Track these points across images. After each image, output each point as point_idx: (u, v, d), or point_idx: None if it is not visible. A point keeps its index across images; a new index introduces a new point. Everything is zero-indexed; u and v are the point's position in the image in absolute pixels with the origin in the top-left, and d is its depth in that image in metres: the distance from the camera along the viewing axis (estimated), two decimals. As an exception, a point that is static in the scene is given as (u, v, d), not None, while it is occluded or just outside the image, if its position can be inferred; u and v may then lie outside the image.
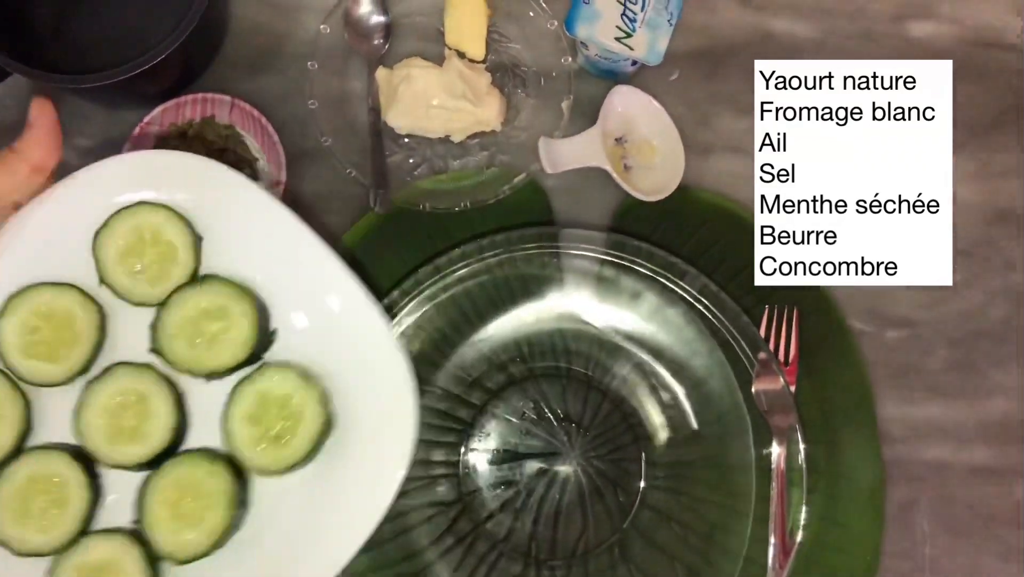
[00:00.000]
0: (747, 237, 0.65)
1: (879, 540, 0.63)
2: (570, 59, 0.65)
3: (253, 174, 0.64)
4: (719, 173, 0.67)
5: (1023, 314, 0.66)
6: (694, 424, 0.63)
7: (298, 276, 0.55)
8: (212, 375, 0.53)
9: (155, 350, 0.54)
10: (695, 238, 0.65)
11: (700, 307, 0.63)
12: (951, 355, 0.65)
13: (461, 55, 0.66)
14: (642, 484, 0.63)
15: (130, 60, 0.58)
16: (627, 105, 0.65)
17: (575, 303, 0.64)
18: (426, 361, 0.64)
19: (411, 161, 0.66)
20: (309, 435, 0.52)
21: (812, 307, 0.65)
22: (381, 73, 0.66)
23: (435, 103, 0.63)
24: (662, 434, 0.64)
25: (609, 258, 0.63)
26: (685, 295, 0.63)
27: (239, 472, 0.53)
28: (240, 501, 0.52)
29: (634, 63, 0.64)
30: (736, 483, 0.62)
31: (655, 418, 0.64)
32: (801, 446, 0.60)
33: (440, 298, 0.63)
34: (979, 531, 0.64)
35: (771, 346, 0.64)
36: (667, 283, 0.63)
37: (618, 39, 0.61)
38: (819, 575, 0.62)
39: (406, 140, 0.66)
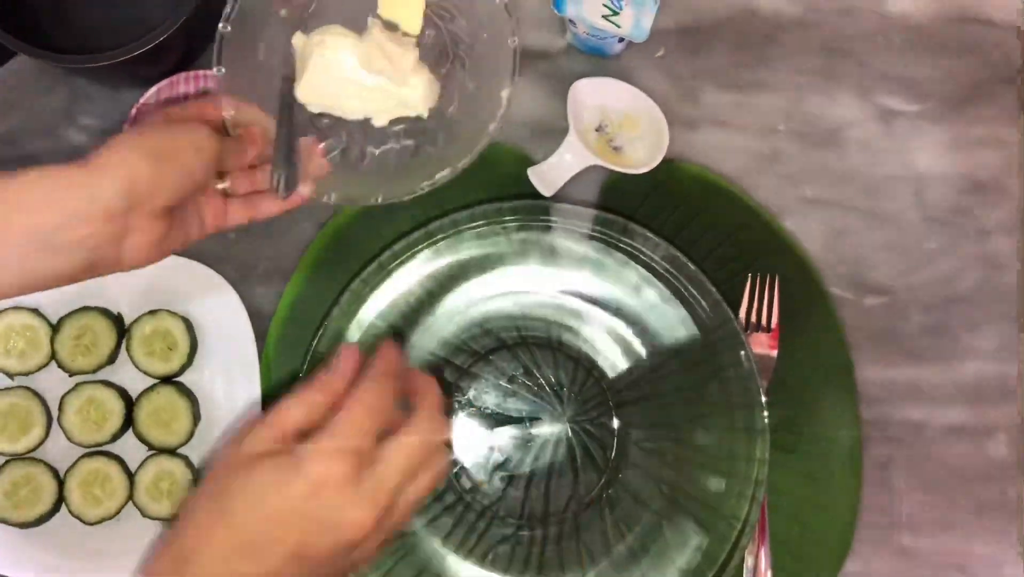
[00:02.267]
0: (731, 208, 0.68)
1: (857, 497, 0.65)
2: (516, 40, 0.60)
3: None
4: (704, 146, 0.69)
5: (996, 280, 0.68)
6: (662, 394, 0.66)
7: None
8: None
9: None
10: (681, 209, 0.68)
11: (678, 285, 0.65)
12: (927, 320, 0.68)
13: (393, 27, 0.60)
14: (615, 451, 0.66)
15: (132, 42, 0.60)
16: (592, 95, 0.67)
17: (562, 276, 0.66)
18: (413, 324, 0.66)
19: (322, 144, 0.61)
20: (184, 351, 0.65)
21: (793, 275, 0.67)
22: (298, 39, 0.60)
23: (347, 76, 0.57)
24: (643, 402, 0.66)
25: (593, 234, 0.65)
26: (665, 273, 0.65)
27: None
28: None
29: (621, 40, 0.66)
30: (713, 443, 0.64)
31: (635, 387, 0.66)
32: (764, 413, 0.63)
33: (432, 264, 0.66)
34: (953, 487, 0.66)
35: (754, 312, 0.66)
36: (644, 259, 0.65)
37: (605, 17, 0.63)
38: (800, 530, 0.65)
39: (325, 121, 0.62)
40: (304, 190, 0.57)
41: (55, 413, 0.64)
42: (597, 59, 0.69)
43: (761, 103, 0.70)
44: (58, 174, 0.46)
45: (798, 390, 0.66)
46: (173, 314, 0.64)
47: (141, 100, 0.65)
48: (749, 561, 0.64)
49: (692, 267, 0.64)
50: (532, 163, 0.67)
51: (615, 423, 0.66)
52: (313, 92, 0.59)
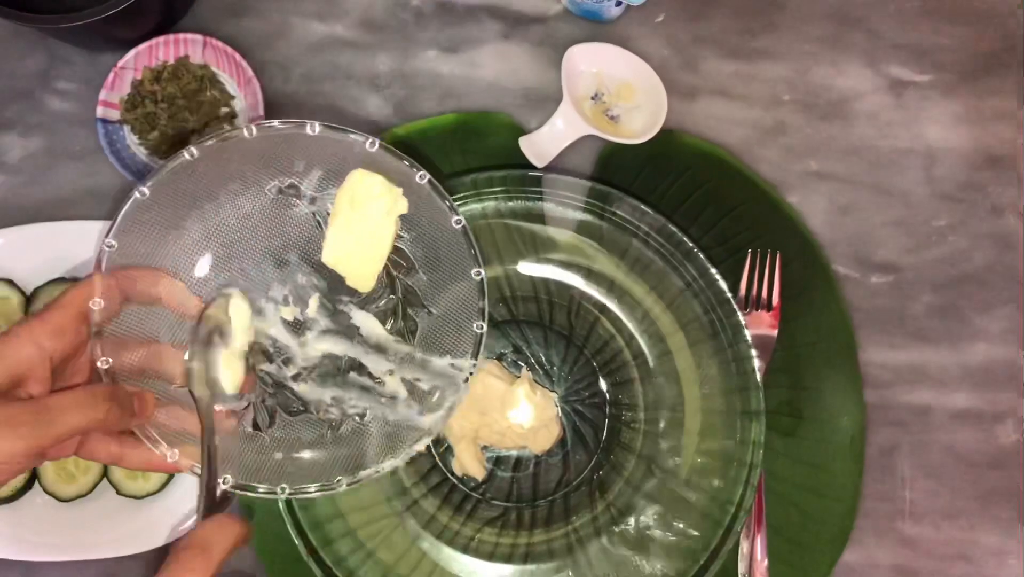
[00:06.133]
0: (732, 181, 0.65)
1: (859, 483, 0.63)
2: (483, 324, 0.53)
3: (231, 112, 0.64)
4: (705, 117, 0.66)
5: (1008, 259, 0.65)
6: (656, 374, 0.63)
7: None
8: None
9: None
10: (680, 182, 0.65)
11: (673, 261, 0.62)
12: (935, 300, 0.65)
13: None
14: (606, 432, 0.63)
15: (109, 1, 0.58)
16: (587, 62, 0.64)
17: (555, 254, 0.64)
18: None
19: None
20: None
21: (796, 252, 0.65)
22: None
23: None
24: (636, 383, 0.64)
25: (584, 206, 0.62)
26: (659, 248, 0.62)
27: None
28: None
29: (619, 3, 0.63)
30: (707, 425, 0.62)
31: (629, 368, 0.64)
32: (761, 395, 0.60)
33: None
34: (958, 474, 0.64)
35: (754, 291, 0.63)
36: (640, 233, 0.62)
37: (601, -22, 0.61)
38: (799, 516, 0.63)
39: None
40: (171, 455, 0.49)
41: (29, 387, 0.62)
42: (593, 24, 0.66)
43: (765, 72, 0.67)
44: None
45: (799, 372, 0.64)
46: None
47: (119, 63, 0.63)
48: (744, 547, 0.61)
49: (688, 242, 0.61)
50: (524, 133, 0.65)
51: (606, 403, 0.64)
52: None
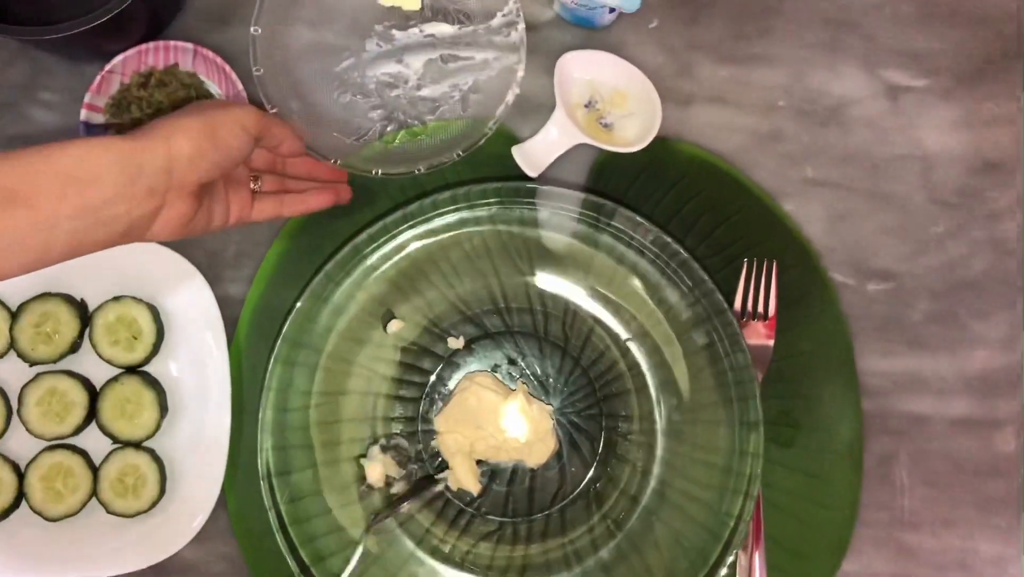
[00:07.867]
0: (728, 189, 0.64)
1: (858, 492, 0.63)
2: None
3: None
4: (700, 124, 0.66)
5: (1006, 265, 0.65)
6: (652, 386, 0.63)
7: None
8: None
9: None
10: (674, 191, 0.64)
11: (669, 272, 0.61)
12: (933, 307, 0.65)
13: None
14: (602, 444, 0.63)
15: (93, 11, 0.57)
16: (581, 69, 0.63)
17: (549, 265, 0.63)
18: (387, 309, 0.63)
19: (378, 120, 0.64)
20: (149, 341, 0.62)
21: (793, 260, 0.64)
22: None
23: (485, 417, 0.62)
24: (632, 395, 0.63)
25: (579, 218, 0.62)
26: (655, 259, 0.61)
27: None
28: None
29: (612, 10, 0.62)
30: (705, 437, 0.62)
31: (625, 379, 0.63)
32: (759, 405, 0.60)
33: (409, 246, 0.62)
34: (957, 482, 0.63)
35: (750, 299, 0.63)
36: (634, 244, 0.61)
37: (594, -15, 0.60)
38: (797, 527, 0.62)
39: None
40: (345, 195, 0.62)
41: (14, 404, 0.61)
42: (586, 31, 0.65)
43: (760, 78, 0.66)
44: (106, 148, 0.47)
45: (796, 381, 0.63)
46: (138, 301, 0.61)
47: (107, 67, 0.62)
48: (743, 560, 0.61)
49: (683, 252, 0.61)
50: (517, 141, 0.64)
51: (603, 415, 0.63)
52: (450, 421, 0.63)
